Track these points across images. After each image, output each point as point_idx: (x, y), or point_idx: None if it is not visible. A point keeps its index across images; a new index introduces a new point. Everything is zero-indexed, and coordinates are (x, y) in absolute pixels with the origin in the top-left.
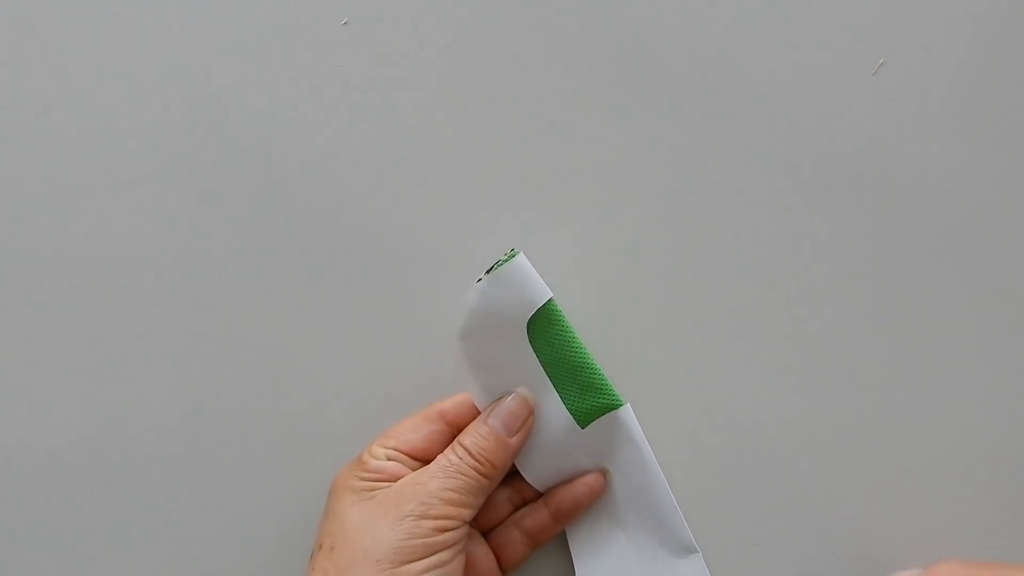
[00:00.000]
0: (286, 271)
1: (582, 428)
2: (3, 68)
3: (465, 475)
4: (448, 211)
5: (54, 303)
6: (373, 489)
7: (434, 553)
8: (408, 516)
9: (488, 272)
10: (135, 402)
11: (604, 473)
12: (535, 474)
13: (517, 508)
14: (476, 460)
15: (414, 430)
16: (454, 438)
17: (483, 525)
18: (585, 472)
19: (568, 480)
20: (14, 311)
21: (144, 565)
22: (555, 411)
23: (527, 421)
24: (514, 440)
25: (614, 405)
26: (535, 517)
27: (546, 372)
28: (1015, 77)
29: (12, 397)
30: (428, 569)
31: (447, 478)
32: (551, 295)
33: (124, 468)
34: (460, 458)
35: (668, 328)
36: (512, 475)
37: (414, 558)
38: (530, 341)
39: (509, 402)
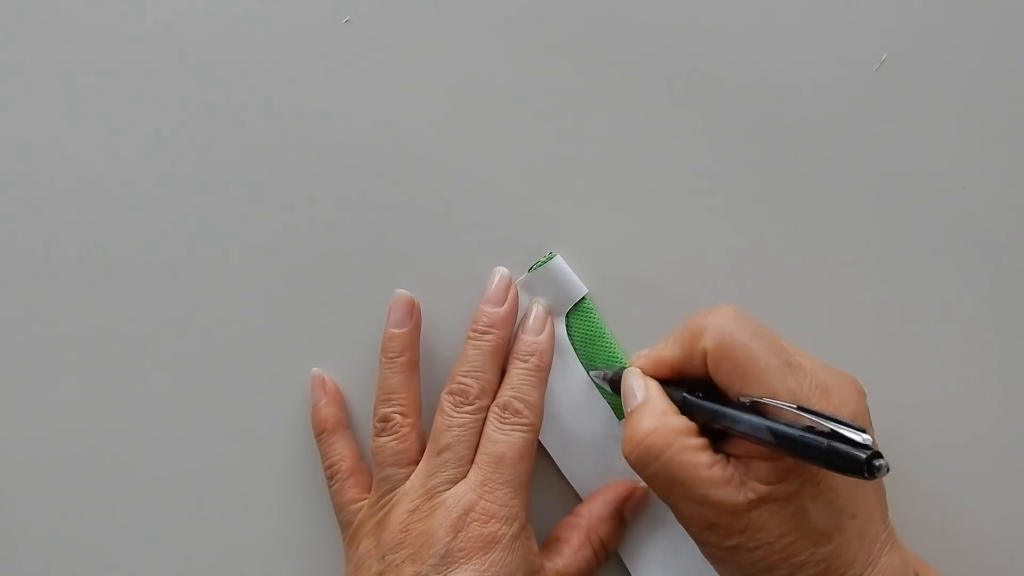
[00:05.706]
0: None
1: (620, 421)
2: (4, 69)
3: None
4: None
5: (60, 306)
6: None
7: None
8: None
9: (529, 271)
10: (141, 401)
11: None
12: (573, 466)
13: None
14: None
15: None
16: None
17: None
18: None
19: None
20: (18, 312)
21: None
22: (594, 405)
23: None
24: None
25: None
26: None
27: (584, 366)
28: (1018, 73)
29: (19, 398)
30: None
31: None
32: (586, 291)
33: (136, 469)
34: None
35: None
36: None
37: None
38: (568, 336)
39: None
